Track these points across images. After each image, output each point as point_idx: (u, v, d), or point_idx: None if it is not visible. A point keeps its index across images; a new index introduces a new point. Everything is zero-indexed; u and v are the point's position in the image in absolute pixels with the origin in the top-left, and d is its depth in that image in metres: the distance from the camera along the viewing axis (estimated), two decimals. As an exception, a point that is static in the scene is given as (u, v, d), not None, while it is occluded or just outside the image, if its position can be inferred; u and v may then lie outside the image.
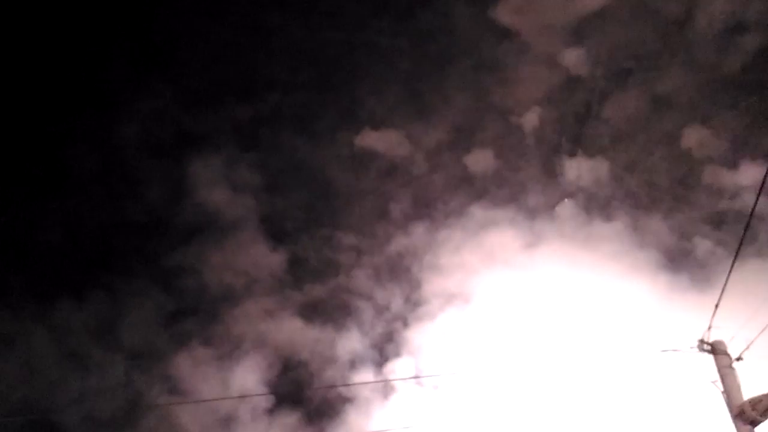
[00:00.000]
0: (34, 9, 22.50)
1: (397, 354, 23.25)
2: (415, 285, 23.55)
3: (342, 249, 24.11)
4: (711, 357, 11.39)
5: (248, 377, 22.85)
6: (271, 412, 22.21)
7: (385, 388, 22.44)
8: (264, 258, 23.89)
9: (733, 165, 23.08)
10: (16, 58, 22.56)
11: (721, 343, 11.33)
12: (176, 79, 23.99)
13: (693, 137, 23.55)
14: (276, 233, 24.14)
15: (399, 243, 24.02)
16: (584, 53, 24.51)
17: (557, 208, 23.78)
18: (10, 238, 22.45)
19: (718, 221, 23.14)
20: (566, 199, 23.88)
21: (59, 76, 23.13)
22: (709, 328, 11.39)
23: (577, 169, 24.38)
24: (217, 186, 23.99)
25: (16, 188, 22.92)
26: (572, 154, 24.61)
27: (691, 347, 11.46)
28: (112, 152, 23.71)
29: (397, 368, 23.17)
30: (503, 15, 24.31)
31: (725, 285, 11.08)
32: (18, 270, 22.31)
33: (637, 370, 14.04)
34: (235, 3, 24.20)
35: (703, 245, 22.68)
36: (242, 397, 21.37)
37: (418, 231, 24.13)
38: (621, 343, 16.79)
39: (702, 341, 11.43)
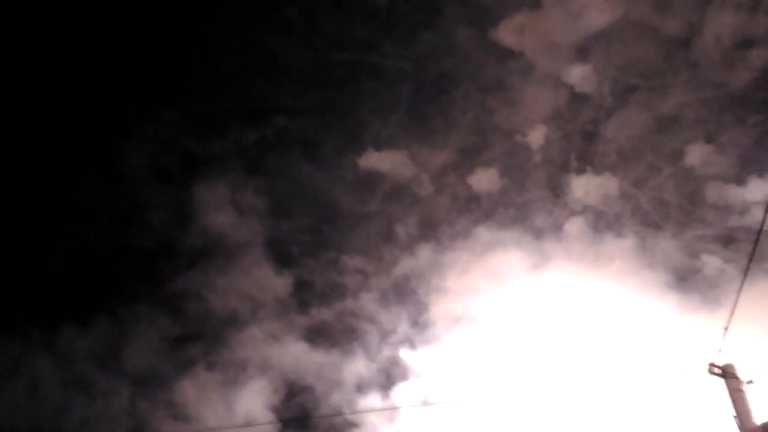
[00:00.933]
0: (42, 34, 22.82)
1: (404, 377, 23.12)
2: (421, 308, 23.47)
3: (348, 272, 24.10)
4: (722, 380, 11.32)
5: (253, 402, 22.78)
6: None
7: (392, 412, 22.29)
8: (269, 282, 23.88)
9: (741, 181, 23.04)
10: (23, 84, 22.86)
11: (731, 366, 11.28)
12: (181, 104, 24.22)
13: (698, 154, 23.53)
14: (281, 257, 24.16)
15: (405, 265, 24.00)
16: (589, 71, 24.60)
17: (565, 227, 23.71)
18: (15, 263, 22.58)
19: (727, 239, 23.02)
20: (573, 218, 23.82)
21: (66, 102, 23.37)
22: (719, 351, 11.31)
23: (585, 187, 24.35)
24: (222, 210, 24.08)
25: (21, 214, 23.07)
26: (579, 172, 24.59)
27: (702, 371, 11.37)
28: (117, 177, 23.87)
29: (404, 392, 23.03)
30: (506, 35, 24.47)
31: (734, 308, 11.03)
32: (22, 296, 22.39)
33: (647, 393, 13.88)
34: (240, 28, 24.45)
35: (712, 264, 22.54)
36: (248, 425, 21.19)
37: (425, 253, 24.11)
38: (631, 366, 16.67)
39: (712, 365, 11.36)
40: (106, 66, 23.63)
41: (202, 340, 23.51)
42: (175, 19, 23.83)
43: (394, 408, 21.70)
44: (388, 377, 23.13)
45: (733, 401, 11.14)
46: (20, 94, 22.84)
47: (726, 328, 11.25)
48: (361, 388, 23.25)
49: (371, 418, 22.09)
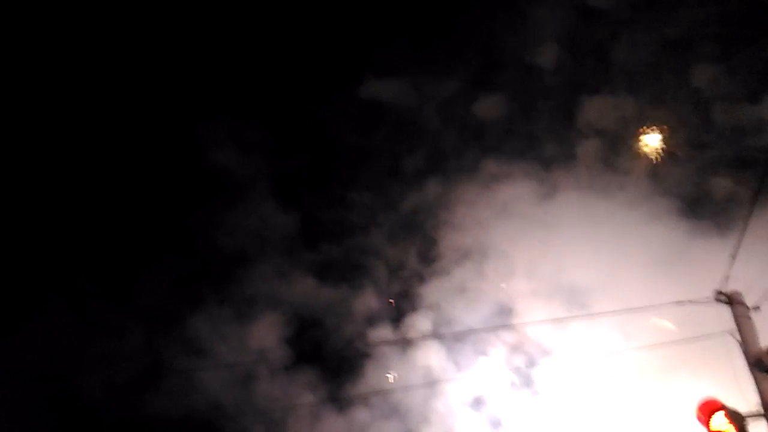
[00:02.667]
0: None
1: (414, 309, 23.57)
2: (429, 242, 23.70)
3: (354, 208, 24.27)
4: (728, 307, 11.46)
5: (265, 337, 23.33)
6: (289, 369, 22.77)
7: (403, 344, 22.85)
8: (276, 219, 24.10)
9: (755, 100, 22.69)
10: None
11: (737, 293, 11.41)
12: (180, 44, 23.78)
13: (709, 74, 23.09)
14: (287, 194, 24.30)
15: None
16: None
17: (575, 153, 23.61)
18: (25, 208, 22.81)
19: (741, 161, 22.87)
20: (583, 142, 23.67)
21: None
22: (726, 278, 11.41)
23: (596, 110, 24.12)
24: (226, 148, 24.07)
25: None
26: (591, 93, 24.28)
27: (707, 297, 11.51)
28: (123, 113, 23.71)
29: (414, 323, 23.53)
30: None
31: (742, 235, 11.06)
32: (33, 240, 22.71)
33: (654, 321, 14.16)
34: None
35: (725, 187, 22.50)
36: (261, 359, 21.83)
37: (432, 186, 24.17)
38: (638, 295, 16.86)
39: (719, 292, 11.48)
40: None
41: (212, 277, 23.96)
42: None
43: (404, 340, 22.20)
44: (398, 310, 23.66)
45: (739, 327, 11.31)
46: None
47: (733, 256, 11.29)
48: (371, 320, 23.81)
49: (383, 350, 22.71)
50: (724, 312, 11.59)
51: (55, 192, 23.14)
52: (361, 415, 22.27)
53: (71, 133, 23.37)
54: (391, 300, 23.54)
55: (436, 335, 22.27)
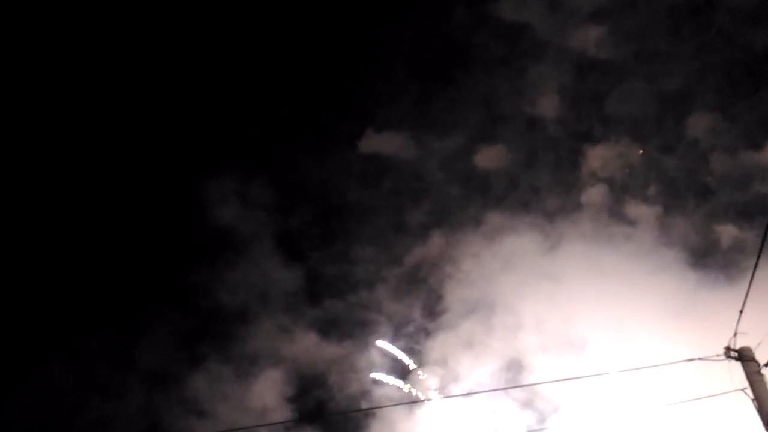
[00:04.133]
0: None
1: (420, 365, 23.48)
2: (434, 296, 23.80)
3: (358, 263, 24.44)
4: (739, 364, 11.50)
5: (267, 396, 23.18)
6: (290, 430, 22.55)
7: (410, 400, 22.70)
8: (279, 275, 24.23)
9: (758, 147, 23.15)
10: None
11: (748, 349, 11.43)
12: (186, 97, 24.36)
13: (708, 123, 23.60)
14: (290, 250, 24.51)
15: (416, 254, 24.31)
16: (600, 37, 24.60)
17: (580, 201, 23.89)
18: (25, 265, 22.98)
19: (745, 211, 23.18)
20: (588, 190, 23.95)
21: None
22: (735, 334, 11.47)
23: (599, 160, 24.50)
24: (229, 204, 24.36)
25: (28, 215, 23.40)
26: (594, 143, 24.73)
27: (718, 355, 11.54)
28: (126, 171, 24.08)
29: (420, 380, 23.40)
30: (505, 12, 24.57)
31: (748, 290, 11.18)
32: (34, 298, 22.81)
33: (664, 378, 14.12)
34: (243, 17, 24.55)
35: (731, 236, 22.73)
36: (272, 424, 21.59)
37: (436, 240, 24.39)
38: (647, 348, 16.88)
39: (728, 348, 11.53)
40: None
41: (213, 335, 23.96)
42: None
43: (411, 401, 22.05)
44: (405, 367, 23.55)
45: (751, 384, 11.32)
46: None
47: (741, 311, 11.39)
48: (377, 379, 23.67)
49: (389, 409, 22.53)
50: (736, 368, 11.63)
51: (56, 250, 23.37)
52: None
53: (74, 188, 23.75)
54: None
55: (443, 393, 22.14)
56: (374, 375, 23.25)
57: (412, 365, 23.41)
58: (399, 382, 23.15)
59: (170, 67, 24.15)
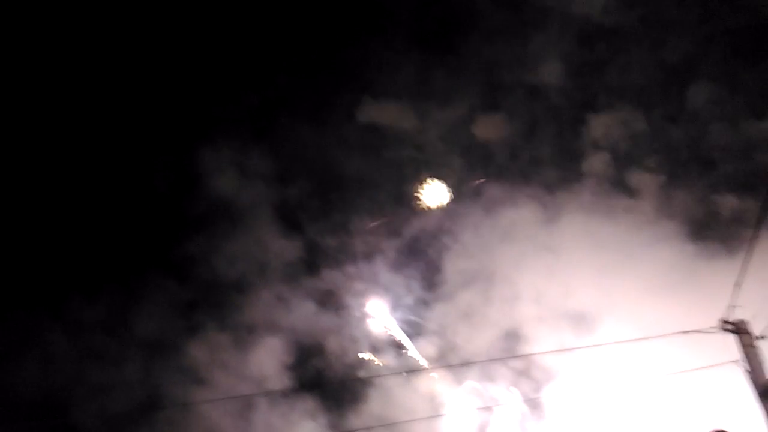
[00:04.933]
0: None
1: (419, 335, 23.80)
2: (433, 267, 23.99)
3: (357, 234, 24.59)
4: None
5: (265, 364, 23.49)
6: (289, 397, 22.92)
7: (409, 372, 23.08)
8: (278, 245, 24.39)
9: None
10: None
11: (743, 322, 11.71)
12: (182, 66, 24.20)
13: (711, 92, 23.55)
14: (289, 220, 24.61)
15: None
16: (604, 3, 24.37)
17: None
18: (21, 235, 23.09)
19: (747, 182, 23.27)
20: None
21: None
22: (731, 306, 11.69)
23: (601, 128, 24.52)
24: (227, 174, 24.38)
25: (25, 181, 23.43)
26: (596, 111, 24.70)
27: (713, 327, 11.78)
28: (124, 140, 24.03)
29: (419, 350, 23.75)
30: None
31: (746, 263, 11.35)
32: (30, 267, 22.95)
33: (660, 349, 14.37)
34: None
35: (731, 207, 22.87)
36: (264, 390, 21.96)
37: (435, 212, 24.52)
38: (643, 321, 17.12)
39: (725, 321, 11.76)
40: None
41: (211, 304, 24.19)
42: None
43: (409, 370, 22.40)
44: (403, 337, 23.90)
45: (746, 356, 11.57)
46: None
47: (739, 284, 11.58)
48: (375, 348, 24.02)
49: (387, 379, 22.89)
50: (731, 340, 11.86)
51: (51, 219, 23.44)
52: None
53: (70, 157, 23.74)
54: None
55: (441, 363, 22.49)
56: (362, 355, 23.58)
57: (401, 334, 23.78)
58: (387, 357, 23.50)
59: (166, 36, 23.98)
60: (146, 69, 24.01)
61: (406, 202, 24.94)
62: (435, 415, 21.99)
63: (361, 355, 23.83)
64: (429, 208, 24.58)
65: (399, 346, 23.77)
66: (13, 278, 22.51)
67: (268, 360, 23.55)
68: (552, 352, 17.66)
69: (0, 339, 22.06)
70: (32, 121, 23.34)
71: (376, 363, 23.86)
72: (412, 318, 24.06)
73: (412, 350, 23.60)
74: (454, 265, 23.45)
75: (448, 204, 24.58)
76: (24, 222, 23.17)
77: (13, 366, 22.29)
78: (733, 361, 11.62)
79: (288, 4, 24.76)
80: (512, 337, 21.94)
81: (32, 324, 22.63)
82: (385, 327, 24.24)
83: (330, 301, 24.17)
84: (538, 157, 24.67)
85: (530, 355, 19.63)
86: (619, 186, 23.91)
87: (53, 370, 22.77)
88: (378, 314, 24.30)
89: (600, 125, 24.72)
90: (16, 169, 23.10)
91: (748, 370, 11.60)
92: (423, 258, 24.42)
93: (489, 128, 25.22)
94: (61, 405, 22.17)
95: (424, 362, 23.28)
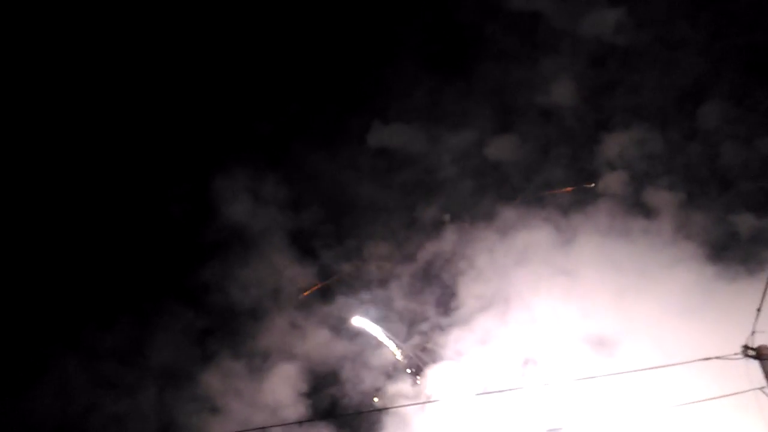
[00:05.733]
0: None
1: (434, 361, 23.64)
2: (448, 292, 23.95)
3: (371, 260, 24.64)
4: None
5: (280, 391, 23.41)
6: (303, 425, 22.79)
7: (423, 398, 22.89)
8: (292, 272, 24.46)
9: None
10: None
11: (766, 347, 11.50)
12: (197, 94, 24.55)
13: (724, 112, 23.50)
14: (302, 247, 24.72)
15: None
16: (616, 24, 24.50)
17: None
18: (38, 266, 23.31)
19: (764, 200, 23.14)
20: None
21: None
22: (753, 333, 11.56)
23: (616, 147, 24.49)
24: (241, 201, 24.56)
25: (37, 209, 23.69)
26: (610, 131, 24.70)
27: (735, 353, 11.64)
28: (139, 168, 24.32)
29: (434, 376, 23.54)
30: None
31: (766, 287, 11.22)
32: (47, 293, 23.14)
33: (681, 374, 14.20)
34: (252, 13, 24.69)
35: (749, 226, 22.70)
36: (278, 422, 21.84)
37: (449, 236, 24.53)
38: (662, 345, 16.93)
39: (746, 347, 11.62)
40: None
41: (226, 331, 24.22)
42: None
43: (424, 401, 22.21)
44: (419, 361, 23.76)
45: (769, 382, 11.41)
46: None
47: (759, 309, 11.46)
48: (389, 373, 23.88)
49: (401, 404, 22.74)
50: (755, 366, 11.71)
51: (69, 247, 23.67)
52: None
53: (88, 185, 24.03)
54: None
55: (457, 391, 22.28)
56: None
57: (416, 360, 23.64)
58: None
59: (181, 64, 24.40)
60: (161, 98, 24.40)
61: (419, 226, 25.04)
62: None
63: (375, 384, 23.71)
64: (442, 232, 24.61)
65: (415, 373, 23.62)
66: (31, 306, 22.71)
67: (282, 388, 23.48)
68: (572, 380, 17.43)
69: (17, 365, 22.20)
70: (51, 150, 23.70)
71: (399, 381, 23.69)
72: (428, 344, 23.95)
73: (428, 377, 23.43)
74: (469, 290, 23.38)
75: (461, 228, 24.57)
76: (41, 249, 23.42)
77: (29, 393, 22.39)
78: (759, 388, 11.45)
79: (298, 31, 25.10)
80: (530, 362, 21.76)
81: (48, 351, 22.77)
82: (400, 353, 24.14)
83: (344, 328, 24.20)
84: (552, 179, 24.72)
85: (547, 384, 19.42)
86: (636, 206, 23.87)
87: (68, 398, 22.84)
88: (392, 340, 24.23)
89: (614, 145, 24.73)
90: (34, 197, 23.44)
91: (771, 397, 11.44)
92: (437, 283, 24.41)
93: (501, 150, 25.30)
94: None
95: (440, 389, 23.06)
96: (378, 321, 24.31)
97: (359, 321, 24.05)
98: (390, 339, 23.97)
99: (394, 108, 25.20)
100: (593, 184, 24.43)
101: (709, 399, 12.65)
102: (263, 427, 18.84)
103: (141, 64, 24.27)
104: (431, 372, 23.10)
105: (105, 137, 24.14)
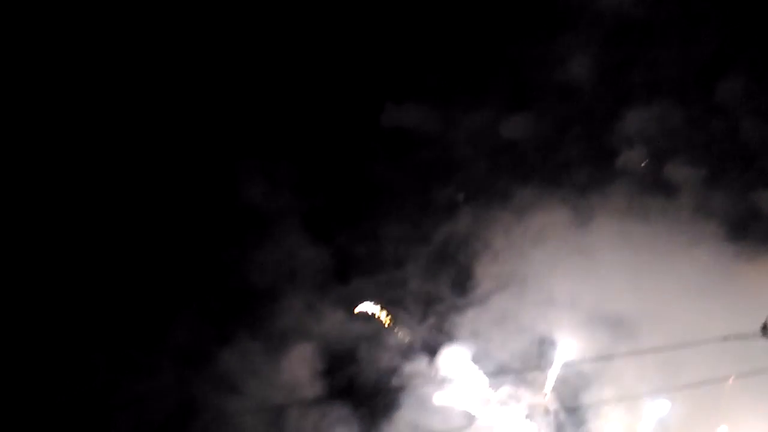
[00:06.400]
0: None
1: (451, 341, 23.78)
2: (463, 272, 24.03)
3: (387, 241, 24.73)
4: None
5: (297, 371, 23.72)
6: (321, 404, 23.12)
7: (439, 378, 23.12)
8: (307, 253, 24.63)
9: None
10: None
11: (786, 327, 11.53)
12: (212, 77, 24.59)
13: (743, 87, 23.22)
14: (318, 229, 24.83)
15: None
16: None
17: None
18: (55, 246, 23.64)
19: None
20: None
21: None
22: (773, 312, 11.59)
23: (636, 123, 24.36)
24: (257, 184, 24.67)
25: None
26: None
27: (754, 333, 11.69)
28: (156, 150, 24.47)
29: (450, 357, 23.73)
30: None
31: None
32: (62, 278, 23.47)
33: (701, 352, 14.24)
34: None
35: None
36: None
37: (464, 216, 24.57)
38: (681, 325, 16.95)
39: (765, 326, 11.66)
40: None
41: (243, 313, 24.49)
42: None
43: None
44: (435, 341, 23.94)
45: (788, 362, 11.44)
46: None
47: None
48: (406, 353, 24.09)
49: (418, 383, 22.99)
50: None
51: (87, 232, 23.94)
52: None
53: (106, 169, 24.23)
54: None
55: (473, 370, 22.49)
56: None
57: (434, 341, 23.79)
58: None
59: (199, 54, 24.45)
60: (181, 87, 24.48)
61: (435, 207, 25.02)
62: (469, 423, 22.02)
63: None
64: (457, 212, 24.64)
65: (432, 353, 23.80)
66: (48, 291, 23.07)
67: (300, 368, 23.78)
68: (586, 361, 17.57)
69: (36, 351, 22.61)
70: (73, 146, 23.95)
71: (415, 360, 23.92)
72: (445, 323, 24.09)
73: (445, 357, 23.62)
74: (485, 270, 23.47)
75: (477, 208, 24.56)
76: (61, 235, 23.70)
77: (48, 374, 22.81)
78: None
79: (308, 8, 24.97)
80: (547, 342, 21.87)
81: (67, 336, 23.12)
82: (417, 333, 24.35)
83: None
84: (569, 158, 24.57)
85: (565, 364, 19.57)
86: (654, 184, 23.72)
87: (88, 380, 23.22)
88: (410, 321, 24.43)
89: (632, 121, 24.52)
90: (56, 182, 23.73)
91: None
92: (453, 263, 24.47)
93: (517, 129, 25.16)
94: (96, 414, 22.63)
95: (456, 368, 23.26)
96: (393, 302, 24.49)
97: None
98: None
99: (406, 86, 25.08)
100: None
101: (727, 378, 12.72)
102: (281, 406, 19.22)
103: (161, 58, 24.38)
104: (447, 352, 23.30)
105: (127, 125, 24.34)
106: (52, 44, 23.18)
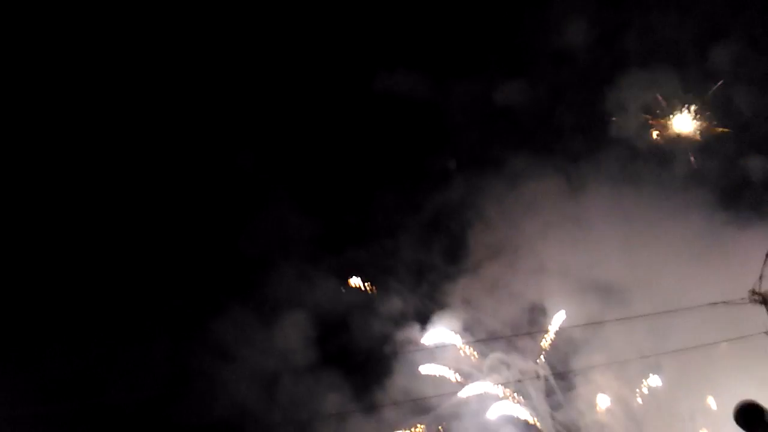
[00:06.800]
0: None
1: (443, 309, 23.98)
2: (456, 241, 24.13)
3: (379, 210, 24.74)
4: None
5: (290, 339, 23.89)
6: (315, 371, 23.36)
7: (432, 344, 23.35)
8: (300, 222, 24.64)
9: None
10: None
11: (772, 292, 11.68)
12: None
13: (737, 52, 23.07)
14: (309, 198, 24.82)
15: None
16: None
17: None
18: (46, 217, 23.57)
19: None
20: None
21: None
22: (761, 278, 11.71)
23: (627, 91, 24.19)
24: (247, 153, 24.55)
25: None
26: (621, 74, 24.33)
27: (742, 298, 11.83)
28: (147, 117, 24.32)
29: (443, 323, 23.95)
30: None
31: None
32: (54, 248, 23.45)
33: (689, 317, 14.43)
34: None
35: (762, 171, 22.60)
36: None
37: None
38: (673, 292, 17.10)
39: (753, 292, 11.80)
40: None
41: (236, 281, 24.56)
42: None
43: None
44: (427, 309, 24.15)
45: (774, 327, 11.62)
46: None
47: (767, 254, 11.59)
48: (398, 321, 24.31)
49: (409, 350, 23.22)
50: (761, 311, 11.92)
51: (80, 201, 23.87)
52: (389, 414, 22.88)
53: (99, 143, 24.08)
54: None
55: (466, 336, 22.72)
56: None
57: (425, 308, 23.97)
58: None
59: (195, 51, 24.14)
60: (185, 84, 24.29)
61: (427, 174, 25.01)
62: (460, 388, 22.29)
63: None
64: (450, 180, 24.63)
65: (423, 320, 24.02)
66: (41, 261, 23.06)
67: (292, 336, 23.94)
68: (577, 326, 17.76)
69: (29, 321, 22.66)
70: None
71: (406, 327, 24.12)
72: (437, 291, 24.27)
73: (436, 324, 23.83)
74: (477, 238, 23.55)
75: (469, 176, 24.56)
76: (52, 207, 23.63)
77: (44, 345, 22.89)
78: (765, 332, 11.68)
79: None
80: (538, 309, 22.07)
81: (59, 306, 23.15)
82: (409, 301, 24.51)
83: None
84: (562, 125, 24.50)
85: (557, 329, 19.78)
86: (646, 151, 23.71)
87: (81, 349, 23.31)
88: (402, 289, 24.58)
89: (627, 88, 24.39)
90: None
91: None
92: (446, 231, 24.56)
93: (511, 96, 25.00)
94: (89, 383, 22.77)
95: (448, 336, 23.49)
96: (385, 271, 24.63)
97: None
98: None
99: (399, 53, 24.84)
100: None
101: (715, 342, 12.91)
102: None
103: (166, 60, 24.17)
104: (439, 319, 23.50)
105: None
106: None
